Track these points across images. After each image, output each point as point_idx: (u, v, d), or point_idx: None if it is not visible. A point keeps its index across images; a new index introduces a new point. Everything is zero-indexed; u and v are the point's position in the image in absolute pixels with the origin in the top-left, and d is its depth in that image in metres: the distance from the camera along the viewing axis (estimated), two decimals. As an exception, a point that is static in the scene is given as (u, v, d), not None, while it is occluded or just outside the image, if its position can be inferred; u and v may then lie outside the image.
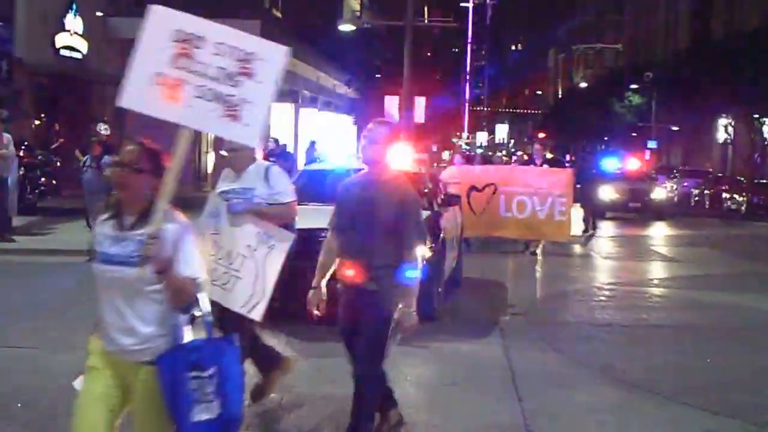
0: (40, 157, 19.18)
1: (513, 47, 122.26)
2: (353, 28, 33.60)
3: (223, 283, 5.59)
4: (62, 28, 21.93)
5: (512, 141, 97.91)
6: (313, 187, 10.50)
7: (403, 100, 28.34)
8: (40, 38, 20.98)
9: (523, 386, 7.22)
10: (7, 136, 15.02)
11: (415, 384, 7.44)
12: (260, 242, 5.60)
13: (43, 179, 18.93)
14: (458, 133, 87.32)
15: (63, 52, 21.95)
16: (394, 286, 4.99)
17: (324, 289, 5.31)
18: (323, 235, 5.52)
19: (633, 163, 30.13)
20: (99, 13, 23.96)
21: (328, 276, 5.34)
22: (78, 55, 22.39)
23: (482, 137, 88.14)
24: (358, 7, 38.61)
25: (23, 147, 17.50)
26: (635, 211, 26.74)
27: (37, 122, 22.80)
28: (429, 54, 58.12)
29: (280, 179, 5.89)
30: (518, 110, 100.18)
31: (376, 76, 42.94)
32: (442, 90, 51.31)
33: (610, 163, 27.07)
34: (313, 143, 27.35)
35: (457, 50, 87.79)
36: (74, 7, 22.20)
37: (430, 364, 8.04)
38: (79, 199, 15.69)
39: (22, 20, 20.54)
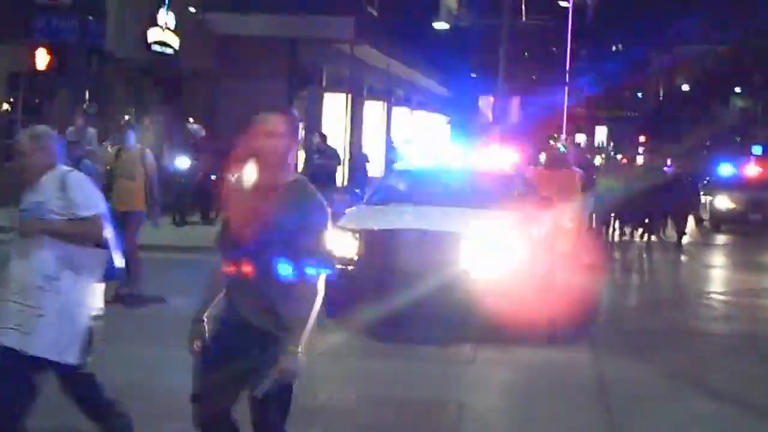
0: None
1: (613, 48, 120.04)
2: (447, 26, 33.45)
3: (17, 324, 4.50)
4: (154, 23, 22.15)
5: (611, 143, 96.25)
6: (404, 186, 10.55)
7: (497, 100, 28.08)
8: (131, 33, 21.25)
9: (612, 397, 7.00)
10: (91, 131, 15.17)
11: (500, 390, 7.34)
12: (62, 268, 4.57)
13: None
14: (557, 135, 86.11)
15: (155, 47, 22.12)
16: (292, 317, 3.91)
17: (206, 323, 4.12)
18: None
19: (753, 170, 26.55)
20: (192, 9, 24.21)
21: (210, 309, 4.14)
22: (170, 51, 22.53)
23: (581, 139, 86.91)
24: (455, 6, 38.38)
25: None
26: (756, 223, 22.85)
27: (127, 117, 23.13)
28: (525, 54, 57.50)
29: (81, 188, 4.74)
30: (618, 112, 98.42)
31: (471, 75, 42.68)
32: (538, 90, 50.71)
33: (724, 169, 25.24)
34: (391, 142, 27.30)
35: (555, 50, 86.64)
36: (167, 2, 22.42)
37: (517, 371, 7.88)
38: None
39: (114, 15, 20.81)
